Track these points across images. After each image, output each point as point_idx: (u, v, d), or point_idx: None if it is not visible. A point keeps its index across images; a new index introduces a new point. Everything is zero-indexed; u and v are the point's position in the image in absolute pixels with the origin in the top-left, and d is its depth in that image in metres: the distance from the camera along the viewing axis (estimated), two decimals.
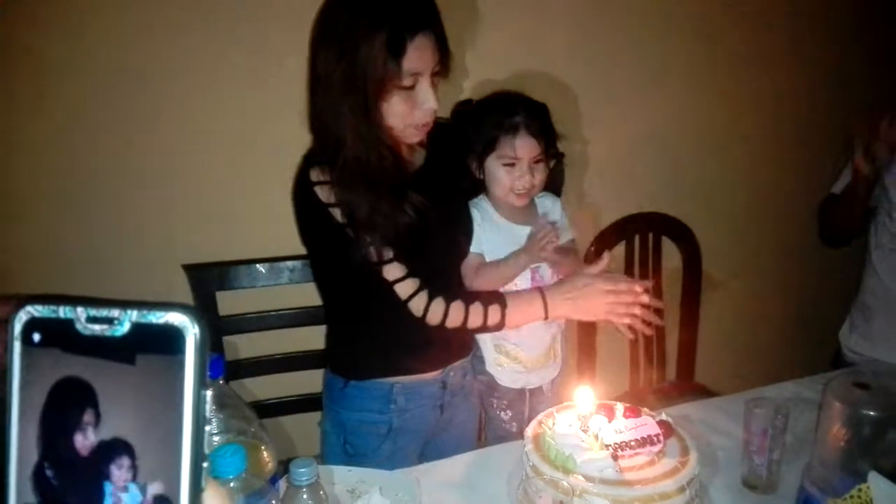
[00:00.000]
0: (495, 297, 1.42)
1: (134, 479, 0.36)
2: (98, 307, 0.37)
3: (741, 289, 2.54)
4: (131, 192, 1.76)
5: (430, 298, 1.36)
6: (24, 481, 0.36)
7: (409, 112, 1.30)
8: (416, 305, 1.36)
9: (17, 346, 0.37)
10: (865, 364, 1.86)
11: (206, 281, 1.68)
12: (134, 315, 0.36)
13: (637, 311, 1.43)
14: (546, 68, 2.04)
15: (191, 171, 1.79)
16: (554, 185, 1.66)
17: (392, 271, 1.34)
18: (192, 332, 0.36)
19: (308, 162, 1.35)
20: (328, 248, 1.38)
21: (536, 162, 1.51)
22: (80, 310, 0.37)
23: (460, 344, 1.55)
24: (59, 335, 0.37)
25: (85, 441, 0.36)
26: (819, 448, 1.08)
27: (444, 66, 1.31)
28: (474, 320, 1.39)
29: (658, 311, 1.49)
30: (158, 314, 0.36)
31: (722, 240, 2.38)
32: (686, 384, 2.20)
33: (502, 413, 1.65)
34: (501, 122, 1.49)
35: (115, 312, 0.37)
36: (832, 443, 1.06)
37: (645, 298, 1.43)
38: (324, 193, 1.32)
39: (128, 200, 1.76)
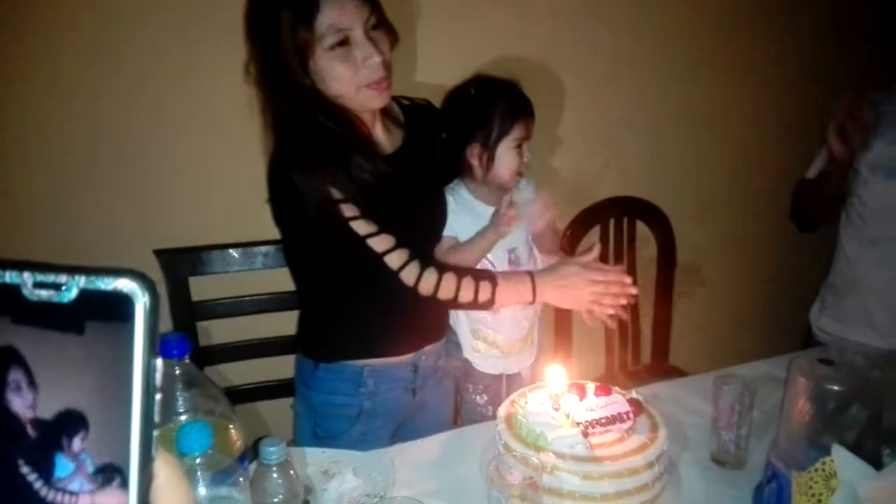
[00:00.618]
0: (486, 274, 1.40)
1: (86, 449, 0.35)
2: (45, 272, 0.36)
3: (715, 272, 2.57)
4: (104, 176, 1.73)
5: (423, 268, 1.33)
6: None
7: (353, 73, 1.27)
8: (408, 274, 1.32)
9: None
10: (835, 343, 1.89)
11: (179, 266, 1.67)
12: (82, 281, 0.36)
13: (624, 301, 1.43)
14: (522, 53, 2.03)
15: (164, 156, 1.77)
16: None
17: (381, 242, 1.30)
18: (141, 300, 0.35)
19: (278, 144, 1.34)
20: (305, 229, 1.36)
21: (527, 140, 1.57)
22: (26, 275, 0.36)
23: (433, 327, 1.55)
24: (4, 300, 0.36)
25: (27, 413, 0.35)
26: (785, 423, 1.10)
27: (379, 17, 1.29)
28: (465, 294, 1.36)
29: (634, 314, 1.50)
30: (107, 280, 0.35)
31: (695, 224, 2.40)
32: (660, 366, 2.23)
33: (478, 397, 1.66)
34: (516, 106, 1.53)
35: (63, 278, 0.36)
36: (797, 418, 1.07)
37: (633, 290, 1.44)
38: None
39: (101, 185, 1.73)
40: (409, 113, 1.50)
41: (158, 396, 0.36)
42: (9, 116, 1.63)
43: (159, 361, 0.36)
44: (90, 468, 0.35)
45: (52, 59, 1.63)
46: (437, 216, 1.52)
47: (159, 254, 1.66)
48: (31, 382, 0.35)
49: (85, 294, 0.35)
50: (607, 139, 2.28)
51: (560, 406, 1.20)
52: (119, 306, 0.35)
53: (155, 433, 0.35)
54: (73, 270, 0.36)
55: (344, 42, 1.25)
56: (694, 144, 2.45)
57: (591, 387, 1.25)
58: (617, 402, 1.21)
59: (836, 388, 1.04)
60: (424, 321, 1.50)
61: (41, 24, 1.60)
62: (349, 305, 1.44)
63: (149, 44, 1.69)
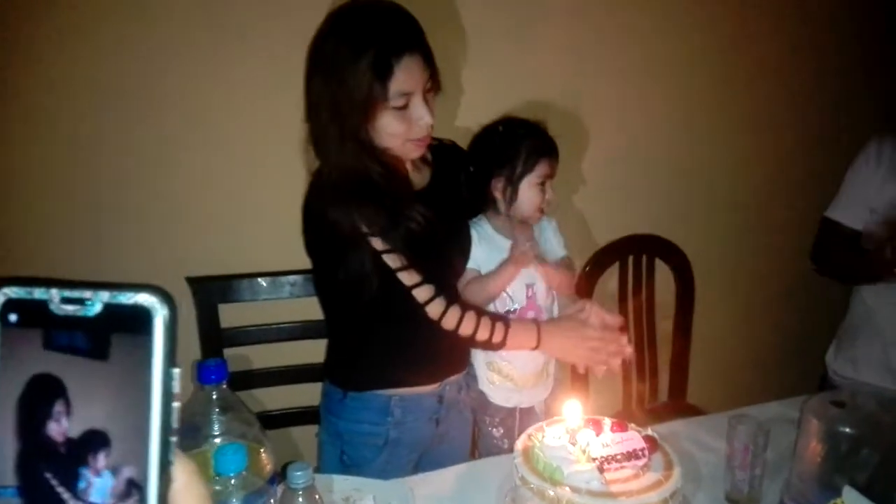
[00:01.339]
0: (500, 317, 1.49)
1: (109, 465, 0.37)
2: (71, 289, 0.39)
3: (732, 311, 2.58)
4: (136, 204, 1.79)
5: (448, 304, 1.41)
6: (5, 466, 0.38)
7: (407, 130, 1.35)
8: (434, 309, 1.40)
9: None
10: (849, 386, 1.89)
11: (209, 293, 1.72)
12: (105, 296, 0.38)
13: (618, 361, 1.50)
14: (547, 97, 2.09)
15: (196, 185, 1.84)
16: None
17: (410, 277, 1.38)
18: (160, 313, 0.38)
19: (319, 176, 1.41)
20: (336, 260, 1.41)
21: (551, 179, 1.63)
22: (53, 291, 0.39)
23: (457, 359, 1.60)
24: (34, 315, 0.39)
25: (60, 433, 0.38)
26: (797, 464, 1.12)
27: (434, 81, 1.36)
28: (483, 333, 1.43)
29: (652, 353, 1.55)
30: (128, 295, 0.38)
31: (714, 262, 2.42)
32: (677, 404, 2.24)
33: (494, 430, 1.68)
34: (540, 145, 1.60)
35: (87, 293, 0.38)
36: (810, 459, 1.10)
37: (629, 350, 1.51)
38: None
39: (133, 212, 1.80)
40: (437, 152, 1.57)
41: (176, 404, 0.38)
42: (41, 138, 1.70)
43: (177, 371, 0.38)
44: (112, 482, 0.37)
45: (86, 84, 1.69)
46: (461, 250, 1.58)
47: (191, 281, 1.71)
48: (68, 410, 0.38)
49: (108, 308, 0.38)
50: (627, 178, 2.32)
51: (577, 441, 1.22)
52: (140, 319, 0.38)
53: (173, 439, 0.38)
54: (96, 286, 0.39)
55: (406, 104, 1.32)
56: (714, 183, 2.48)
57: (607, 423, 1.27)
58: (633, 438, 1.23)
59: (848, 430, 1.07)
60: (449, 352, 1.55)
61: (76, 48, 1.67)
62: (378, 336, 1.49)
63: (185, 73, 1.76)
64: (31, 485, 0.38)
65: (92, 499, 0.37)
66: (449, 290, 1.47)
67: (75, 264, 1.76)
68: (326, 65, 1.32)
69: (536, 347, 1.49)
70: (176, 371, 0.38)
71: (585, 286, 2.05)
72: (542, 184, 1.60)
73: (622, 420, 1.29)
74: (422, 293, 1.39)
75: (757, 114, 2.48)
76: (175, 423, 0.38)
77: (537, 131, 1.63)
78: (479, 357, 1.64)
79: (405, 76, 1.29)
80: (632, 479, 1.15)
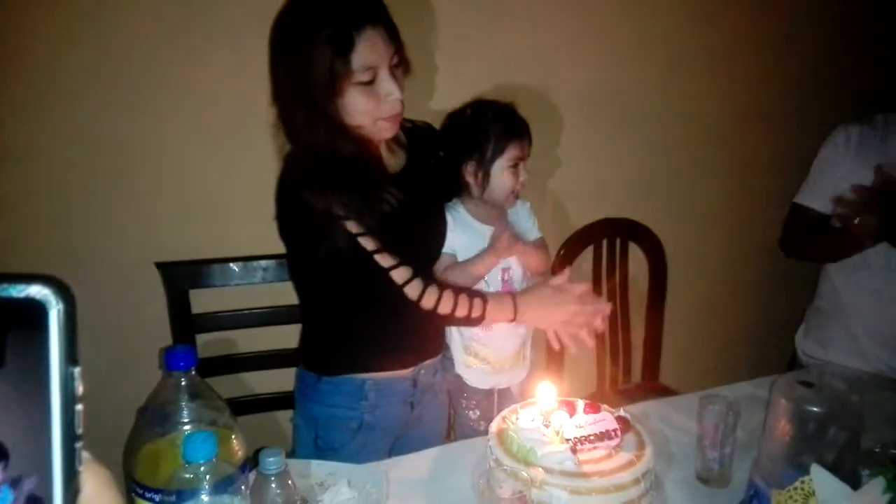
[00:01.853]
0: (477, 293, 1.48)
1: (6, 479, 0.33)
2: None
3: (704, 293, 2.61)
4: (106, 188, 1.76)
5: (425, 285, 1.41)
6: None
7: (376, 107, 1.33)
8: (413, 290, 1.39)
9: None
10: (822, 366, 1.93)
11: (180, 279, 1.70)
12: None
13: (598, 321, 1.50)
14: (521, 80, 2.08)
15: (166, 170, 1.81)
16: None
17: (385, 259, 1.37)
18: (55, 306, 0.34)
19: (291, 160, 1.39)
20: (311, 243, 1.39)
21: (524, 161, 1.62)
22: None
23: (432, 343, 1.60)
24: None
25: None
26: (766, 443, 1.14)
27: (400, 56, 1.34)
28: (461, 310, 1.43)
29: (626, 334, 1.56)
30: (19, 287, 0.34)
31: (686, 245, 2.44)
32: (650, 385, 2.26)
33: (471, 412, 1.69)
34: (510, 127, 1.59)
35: None
36: (778, 438, 1.11)
37: (607, 308, 1.52)
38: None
39: (103, 197, 1.76)
40: (411, 134, 1.55)
41: (79, 407, 0.34)
42: (11, 122, 1.66)
43: (78, 370, 0.34)
44: (11, 497, 0.34)
45: (57, 69, 1.65)
46: (437, 234, 1.57)
47: (161, 266, 1.69)
48: None
49: None
50: (601, 162, 2.33)
51: (550, 423, 1.24)
52: (34, 314, 0.34)
53: (78, 445, 0.34)
54: None
55: (372, 78, 1.30)
56: (687, 167, 2.49)
57: (580, 404, 1.28)
58: (605, 419, 1.25)
59: (815, 409, 1.08)
60: (424, 336, 1.55)
61: (48, 35, 1.63)
62: (353, 321, 1.48)
63: (155, 59, 1.72)
64: None
65: None
66: (425, 273, 1.47)
67: (44, 249, 1.73)
68: (288, 45, 1.31)
69: (514, 319, 1.49)
70: (76, 370, 0.34)
71: (560, 269, 2.05)
72: (515, 166, 1.59)
73: (595, 401, 1.31)
74: (399, 274, 1.38)
75: (730, 99, 2.50)
76: (80, 428, 0.34)
77: (507, 113, 1.61)
78: (455, 341, 1.65)
79: (368, 50, 1.27)
80: (604, 459, 1.17)
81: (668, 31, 2.32)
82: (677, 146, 2.45)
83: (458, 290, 1.44)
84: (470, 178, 1.60)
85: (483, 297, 1.47)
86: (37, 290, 0.34)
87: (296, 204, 1.35)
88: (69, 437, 0.34)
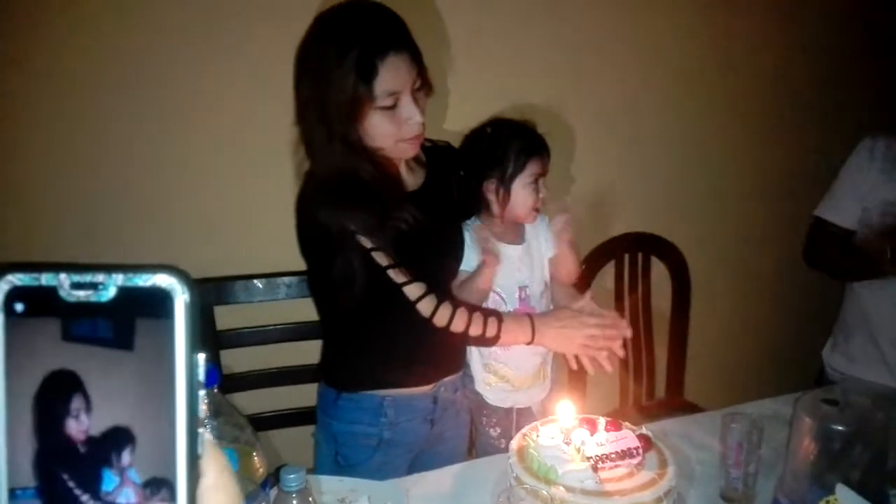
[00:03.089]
0: (493, 312, 1.48)
1: (133, 462, 0.35)
2: (82, 272, 0.35)
3: (729, 309, 2.59)
4: (132, 207, 1.80)
5: (439, 301, 1.41)
6: (22, 466, 0.35)
7: (397, 130, 1.35)
8: (426, 306, 1.40)
9: None
10: (846, 382, 1.90)
11: (204, 295, 1.72)
12: (119, 279, 0.35)
13: (618, 344, 1.49)
14: (531, 92, 2.09)
15: (191, 187, 1.84)
16: None
17: (399, 275, 1.38)
18: (181, 295, 0.35)
19: (310, 178, 1.41)
20: (327, 260, 1.41)
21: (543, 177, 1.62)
22: (63, 276, 0.35)
23: (451, 360, 1.59)
24: (42, 304, 0.35)
25: (80, 431, 0.35)
26: (790, 462, 1.13)
27: (423, 80, 1.36)
28: (475, 329, 1.43)
29: (649, 351, 1.54)
30: (145, 277, 0.35)
31: (710, 259, 2.42)
32: (674, 402, 2.24)
33: (491, 430, 1.68)
34: (530, 144, 1.59)
35: (100, 277, 0.35)
36: (802, 456, 1.10)
37: (628, 332, 1.50)
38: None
39: (129, 215, 1.80)
40: (431, 153, 1.56)
41: (202, 393, 0.36)
42: (41, 141, 1.71)
43: (201, 356, 0.36)
44: (137, 480, 0.35)
45: (83, 88, 1.70)
46: (455, 252, 1.57)
47: None
48: (88, 406, 0.35)
49: (123, 292, 0.35)
50: (622, 177, 2.33)
51: (571, 440, 1.23)
52: (158, 303, 0.35)
53: (200, 430, 0.36)
54: (110, 268, 0.35)
55: (394, 103, 1.32)
56: (709, 181, 2.48)
57: (601, 422, 1.27)
58: (627, 437, 1.24)
59: (840, 428, 1.07)
60: (443, 353, 1.55)
61: (74, 53, 1.68)
62: (371, 337, 1.49)
63: (181, 78, 1.76)
64: (51, 486, 0.35)
65: (117, 500, 0.35)
66: (441, 291, 1.47)
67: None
68: (313, 67, 1.32)
69: (532, 341, 1.48)
70: (201, 357, 0.36)
71: (581, 285, 2.04)
72: (535, 182, 1.59)
73: (618, 419, 1.30)
74: (412, 290, 1.39)
75: (753, 113, 2.49)
76: (202, 414, 0.36)
77: (525, 131, 1.61)
78: (475, 358, 1.64)
79: (391, 75, 1.29)
80: (626, 477, 1.16)
81: (696, 47, 2.32)
82: (698, 160, 2.44)
83: (472, 309, 1.44)
84: (491, 196, 1.60)
85: (499, 316, 1.46)
86: (163, 280, 0.35)
87: (312, 222, 1.37)
88: (192, 422, 0.35)
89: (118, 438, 0.35)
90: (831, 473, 1.06)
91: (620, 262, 2.17)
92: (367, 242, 1.35)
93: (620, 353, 1.51)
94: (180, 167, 1.82)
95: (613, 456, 1.19)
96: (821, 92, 2.58)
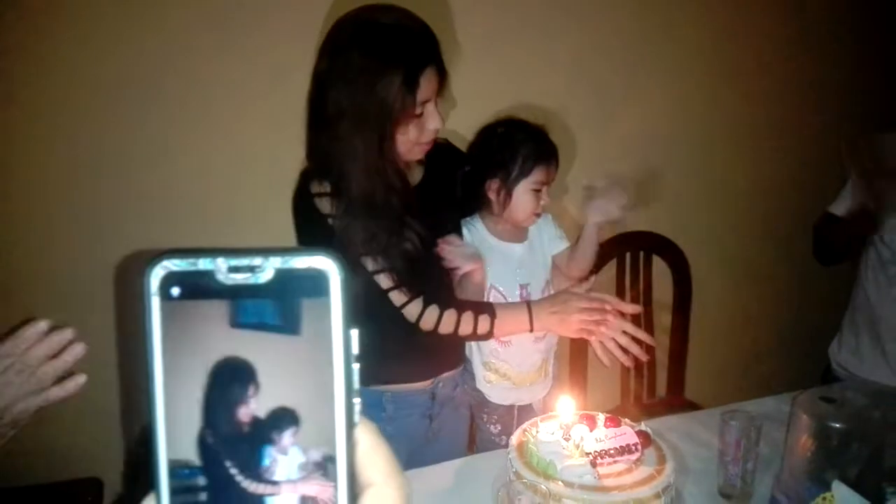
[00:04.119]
0: (486, 307, 1.48)
1: (296, 441, 0.35)
2: (238, 256, 0.36)
3: (731, 306, 2.59)
4: (135, 202, 1.82)
5: (425, 305, 1.42)
6: (185, 444, 0.36)
7: (419, 136, 1.37)
8: (411, 311, 1.42)
9: (155, 302, 0.35)
10: (851, 381, 1.90)
11: None
12: (276, 261, 0.36)
13: (619, 336, 1.47)
14: (535, 89, 2.10)
15: (190, 187, 1.85)
16: None
17: (385, 280, 1.40)
18: (336, 274, 0.36)
19: (306, 176, 1.42)
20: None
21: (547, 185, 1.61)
22: (220, 260, 0.36)
23: (450, 356, 1.61)
24: (198, 288, 0.35)
25: (247, 413, 0.35)
26: (788, 459, 1.13)
27: (442, 87, 1.38)
28: (465, 328, 1.44)
29: (650, 349, 1.53)
30: (302, 259, 0.36)
31: (711, 258, 2.43)
32: (675, 400, 2.25)
33: (492, 426, 1.70)
34: (540, 150, 1.58)
35: (257, 260, 0.36)
36: (800, 454, 1.11)
37: (629, 325, 1.48)
38: (322, 204, 1.38)
39: (131, 211, 1.82)
40: (429, 151, 1.57)
41: (357, 365, 0.37)
42: (41, 137, 1.72)
43: (355, 331, 0.37)
44: (299, 459, 0.35)
45: (81, 85, 1.72)
46: None
47: None
48: (256, 390, 0.35)
49: (280, 274, 0.36)
50: (623, 175, 2.32)
51: (570, 436, 1.24)
52: (315, 282, 0.36)
53: (356, 401, 0.37)
54: (266, 252, 0.36)
55: (422, 111, 1.34)
56: (710, 179, 2.49)
57: (601, 418, 1.28)
58: (626, 433, 1.25)
59: (837, 425, 1.08)
60: (442, 349, 1.56)
61: (71, 51, 1.70)
62: (369, 333, 1.48)
63: (176, 73, 1.78)
64: (214, 465, 0.36)
65: (279, 477, 0.35)
66: (438, 290, 1.48)
67: (74, 263, 1.77)
68: (351, 75, 1.29)
69: (531, 329, 1.48)
70: (355, 331, 0.37)
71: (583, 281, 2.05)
72: (538, 190, 1.58)
73: (617, 415, 1.31)
74: (397, 297, 1.41)
75: (755, 111, 2.49)
76: (356, 384, 0.37)
77: (538, 136, 1.60)
78: (475, 356, 1.65)
79: (426, 87, 1.31)
80: (625, 473, 1.17)
81: (697, 46, 2.32)
82: (700, 159, 2.44)
83: (462, 308, 1.45)
84: (492, 196, 1.60)
85: (491, 311, 1.46)
86: (318, 261, 0.36)
87: (313, 219, 1.38)
88: (349, 393, 0.36)
89: (283, 418, 0.36)
90: (828, 471, 1.06)
91: (622, 260, 2.18)
92: (359, 248, 1.36)
93: (643, 357, 1.51)
94: (183, 165, 1.83)
95: (612, 452, 1.20)
96: (826, 91, 2.57)
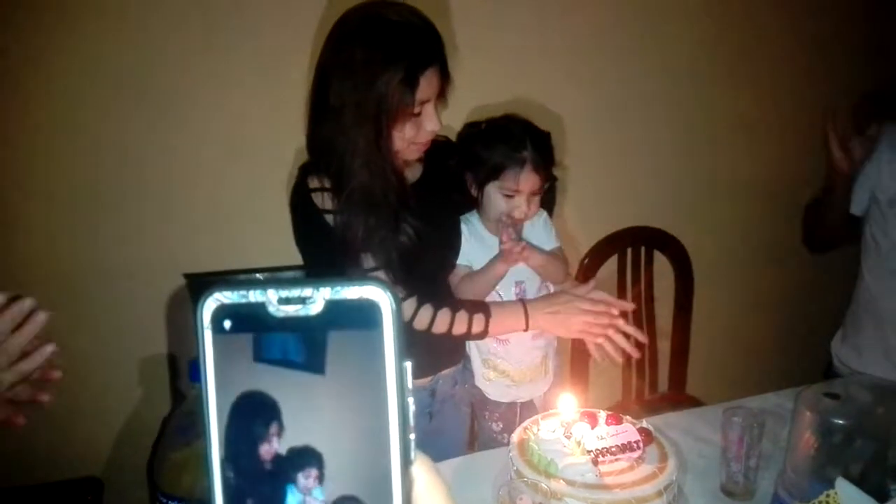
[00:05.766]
0: (480, 307, 1.47)
1: (320, 482, 0.35)
2: (289, 288, 0.35)
3: (733, 301, 2.58)
4: (132, 201, 1.81)
5: (419, 305, 1.41)
6: (210, 481, 0.36)
7: (416, 135, 1.36)
8: (405, 311, 1.40)
9: (208, 336, 0.35)
10: (854, 376, 1.88)
11: (205, 289, 1.72)
12: (327, 293, 0.35)
13: (612, 334, 1.46)
14: (536, 88, 2.09)
15: (191, 182, 1.85)
16: (546, 204, 1.68)
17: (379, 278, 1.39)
18: (388, 305, 0.35)
19: (305, 171, 1.41)
20: (324, 253, 1.42)
21: (534, 194, 1.55)
22: (271, 292, 0.35)
23: (449, 353, 1.59)
24: (249, 320, 0.35)
25: (269, 451, 0.35)
26: (791, 456, 1.12)
27: (444, 90, 1.37)
28: (459, 327, 1.44)
29: (639, 345, 1.51)
30: (353, 289, 0.35)
31: (712, 253, 2.42)
32: (677, 396, 2.24)
33: (493, 424, 1.69)
34: (509, 155, 1.51)
35: (308, 291, 0.35)
36: (803, 450, 1.10)
37: (621, 322, 1.47)
38: (320, 200, 1.37)
39: (129, 209, 1.81)
40: (429, 148, 1.56)
41: (411, 399, 0.36)
42: (41, 138, 1.72)
43: (408, 364, 0.36)
44: (320, 500, 0.35)
45: (81, 83, 1.71)
46: (451, 245, 1.57)
47: (189, 277, 1.72)
48: (281, 430, 0.35)
49: (330, 305, 0.35)
50: (625, 170, 2.32)
51: (571, 434, 1.23)
52: (365, 314, 0.35)
53: (411, 436, 0.36)
54: (317, 283, 0.35)
55: (420, 111, 1.33)
56: (711, 174, 2.48)
57: (602, 415, 1.28)
58: (627, 431, 1.24)
59: (841, 422, 1.07)
60: (441, 346, 1.54)
61: (70, 47, 1.69)
62: None
63: (178, 72, 1.77)
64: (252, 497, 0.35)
65: None
66: (433, 288, 1.47)
67: (73, 261, 1.77)
68: (353, 70, 1.29)
69: (527, 327, 1.47)
70: (408, 364, 0.36)
71: (584, 279, 2.04)
72: (512, 196, 1.53)
73: (619, 412, 1.30)
74: None
75: (757, 107, 2.48)
76: (412, 420, 0.36)
77: (517, 139, 1.52)
78: (474, 353, 1.64)
79: (427, 86, 1.31)
80: (626, 471, 1.16)
81: (698, 41, 2.31)
82: (701, 154, 2.44)
83: (456, 308, 1.44)
84: (473, 191, 1.60)
85: (486, 310, 1.45)
86: (370, 292, 0.35)
87: (310, 214, 1.38)
88: (405, 429, 0.35)
89: (306, 458, 0.35)
90: (832, 467, 1.05)
91: (623, 256, 2.17)
92: (357, 245, 1.36)
93: (636, 354, 1.50)
94: (181, 161, 1.83)
95: (614, 449, 1.19)
96: (828, 87, 2.56)
